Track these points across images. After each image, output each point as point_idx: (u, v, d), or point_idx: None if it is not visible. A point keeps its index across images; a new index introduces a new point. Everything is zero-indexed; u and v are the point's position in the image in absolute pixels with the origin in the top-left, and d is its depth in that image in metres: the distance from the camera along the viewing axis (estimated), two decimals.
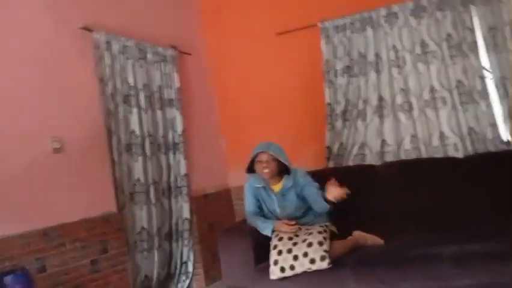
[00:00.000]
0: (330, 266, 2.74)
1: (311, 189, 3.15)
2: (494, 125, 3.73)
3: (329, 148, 4.19)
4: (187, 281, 4.11)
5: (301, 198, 3.22)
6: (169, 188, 4.07)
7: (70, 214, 3.16)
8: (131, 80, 3.79)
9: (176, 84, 4.25)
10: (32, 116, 3.07)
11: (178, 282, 4.09)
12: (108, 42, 3.63)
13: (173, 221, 4.07)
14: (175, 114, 4.20)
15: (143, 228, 3.71)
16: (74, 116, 3.35)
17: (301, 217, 3.15)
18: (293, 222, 3.01)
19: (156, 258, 3.81)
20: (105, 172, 3.50)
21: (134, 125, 3.77)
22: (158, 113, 4.05)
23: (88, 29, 3.51)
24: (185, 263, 4.13)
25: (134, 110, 3.78)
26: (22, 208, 2.90)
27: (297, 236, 2.93)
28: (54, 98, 3.24)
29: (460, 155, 3.72)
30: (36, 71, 3.15)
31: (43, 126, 3.12)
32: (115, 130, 3.63)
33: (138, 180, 3.72)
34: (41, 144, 3.08)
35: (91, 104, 3.50)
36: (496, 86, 3.74)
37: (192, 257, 4.15)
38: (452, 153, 3.80)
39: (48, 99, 3.19)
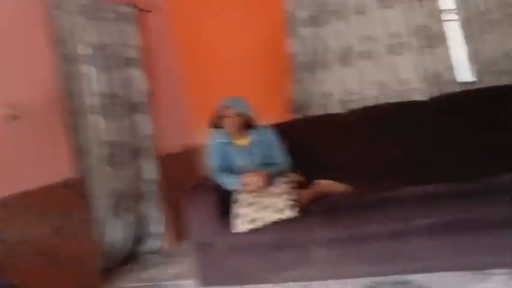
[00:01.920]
0: (298, 214, 2.74)
1: (274, 151, 3.20)
2: (457, 67, 3.71)
3: (294, 100, 4.13)
4: (156, 241, 4.09)
5: (267, 154, 3.19)
6: (135, 149, 3.98)
7: (29, 182, 3.06)
8: (88, 40, 3.63)
9: (137, 42, 4.11)
10: None
11: (147, 243, 4.06)
12: (61, 0, 3.45)
13: (140, 183, 4.01)
14: (136, 73, 4.07)
15: (110, 191, 3.65)
16: (28, 79, 3.20)
17: None
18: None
19: (128, 221, 3.77)
20: (64, 136, 3.38)
21: (96, 86, 3.64)
22: (120, 72, 3.92)
23: None
24: (153, 223, 4.09)
25: (95, 71, 3.64)
26: None
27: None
28: (4, 62, 3.07)
29: (424, 98, 3.68)
30: None
31: None
32: (73, 92, 3.51)
33: (103, 142, 3.62)
34: None
35: (46, 67, 3.35)
36: (462, 28, 3.68)
37: (159, 218, 4.12)
38: (416, 97, 3.76)
39: None
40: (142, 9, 4.30)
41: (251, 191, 2.90)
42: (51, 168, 3.24)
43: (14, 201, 2.95)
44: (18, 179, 3.01)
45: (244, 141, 3.22)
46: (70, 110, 3.48)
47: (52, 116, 3.33)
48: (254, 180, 2.87)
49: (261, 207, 2.79)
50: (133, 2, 4.15)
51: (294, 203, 2.77)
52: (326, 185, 3.13)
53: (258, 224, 2.80)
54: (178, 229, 4.19)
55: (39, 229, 3.07)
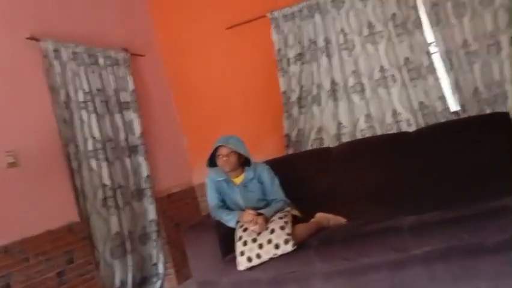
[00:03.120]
0: (295, 247, 2.78)
1: (270, 188, 3.25)
2: (442, 98, 3.85)
3: (288, 136, 4.23)
4: (159, 282, 4.10)
5: (263, 190, 3.26)
6: (134, 190, 4.05)
7: (32, 228, 3.12)
8: (84, 87, 3.74)
9: (131, 86, 4.22)
10: None
11: (150, 284, 4.08)
12: (56, 50, 3.58)
13: (141, 224, 4.06)
14: (132, 117, 4.17)
15: (111, 233, 3.69)
16: (28, 128, 3.30)
17: (264, 208, 3.14)
18: (255, 212, 3.02)
19: (130, 262, 3.79)
20: (64, 182, 3.46)
21: (92, 131, 3.73)
22: (116, 117, 4.01)
23: (34, 38, 3.45)
24: (156, 264, 4.12)
25: (91, 116, 3.73)
26: None
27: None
28: (5, 111, 3.18)
29: (412, 129, 3.81)
30: None
31: None
32: (72, 138, 3.59)
33: (102, 185, 3.69)
34: None
35: (44, 114, 3.45)
36: (442, 60, 3.84)
37: (161, 258, 4.14)
38: (405, 128, 3.90)
39: None
40: (135, 54, 4.43)
41: (245, 229, 2.95)
42: (55, 212, 3.31)
43: (19, 247, 3.00)
44: (23, 224, 3.07)
45: (240, 178, 3.28)
46: (70, 155, 3.55)
47: (53, 161, 3.42)
48: (255, 228, 2.90)
49: (258, 245, 2.84)
50: (125, 48, 4.28)
51: (289, 237, 2.81)
52: (321, 217, 3.18)
53: (257, 262, 2.84)
54: (182, 269, 4.22)
55: (45, 273, 3.12)
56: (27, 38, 3.42)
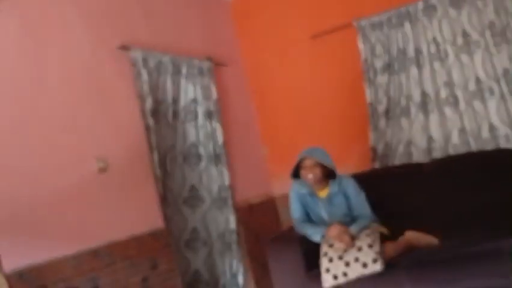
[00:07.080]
0: (384, 267, 2.65)
1: (355, 203, 3.14)
2: None
3: (374, 149, 4.08)
4: None
5: (349, 205, 3.15)
6: (214, 199, 4.06)
7: (119, 232, 3.19)
8: (168, 95, 3.80)
9: (214, 95, 4.24)
10: (76, 137, 3.11)
11: None
12: (145, 59, 3.66)
13: (220, 234, 4.06)
14: (215, 126, 4.19)
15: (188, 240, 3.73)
16: (117, 134, 3.39)
17: (349, 224, 3.02)
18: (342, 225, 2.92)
19: (209, 272, 3.80)
20: (150, 188, 3.51)
21: (175, 139, 3.77)
22: (200, 125, 4.05)
23: (125, 47, 3.55)
24: (235, 275, 4.10)
25: (176, 124, 3.79)
26: (72, 229, 2.94)
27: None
28: (97, 117, 3.28)
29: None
30: (78, 92, 3.20)
31: (87, 146, 3.16)
32: (156, 145, 3.66)
33: (182, 193, 3.73)
34: (86, 164, 3.12)
35: (132, 122, 3.53)
36: None
37: (241, 269, 4.12)
38: (503, 144, 3.63)
39: (91, 119, 3.23)
40: (218, 63, 4.46)
41: (331, 245, 2.85)
42: (140, 218, 3.37)
43: (107, 251, 3.07)
44: (110, 229, 3.15)
45: (324, 192, 3.20)
46: (154, 162, 3.61)
47: (139, 167, 3.48)
48: (341, 245, 2.81)
49: (345, 263, 2.73)
50: (210, 57, 4.32)
51: (378, 256, 2.69)
52: (412, 236, 2.99)
53: (343, 280, 2.72)
54: (261, 280, 4.17)
55: (130, 278, 3.17)
56: (118, 48, 3.52)
